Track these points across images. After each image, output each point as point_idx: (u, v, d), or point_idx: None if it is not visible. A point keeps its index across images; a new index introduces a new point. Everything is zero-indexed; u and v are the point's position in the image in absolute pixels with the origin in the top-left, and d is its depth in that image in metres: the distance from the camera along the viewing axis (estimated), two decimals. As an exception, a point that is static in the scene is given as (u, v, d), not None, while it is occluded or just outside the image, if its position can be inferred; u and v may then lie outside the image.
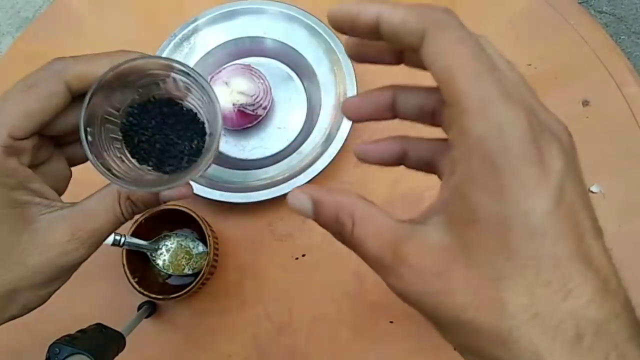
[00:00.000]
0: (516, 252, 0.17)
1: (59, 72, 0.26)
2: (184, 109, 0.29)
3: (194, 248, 0.55)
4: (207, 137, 0.29)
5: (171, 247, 0.54)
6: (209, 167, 0.26)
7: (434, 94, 0.22)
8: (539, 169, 0.17)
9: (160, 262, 0.54)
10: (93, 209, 0.27)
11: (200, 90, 0.27)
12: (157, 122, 0.28)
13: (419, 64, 0.20)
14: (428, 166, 0.24)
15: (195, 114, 0.29)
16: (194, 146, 0.29)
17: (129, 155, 0.28)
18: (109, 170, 0.26)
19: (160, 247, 0.54)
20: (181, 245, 0.55)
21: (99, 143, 0.26)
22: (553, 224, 0.17)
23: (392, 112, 0.24)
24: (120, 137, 0.28)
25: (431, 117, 0.23)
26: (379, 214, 0.20)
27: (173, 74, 0.27)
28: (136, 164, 0.28)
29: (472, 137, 0.17)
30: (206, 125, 0.29)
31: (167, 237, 0.54)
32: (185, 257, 0.55)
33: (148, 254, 0.53)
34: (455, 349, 0.19)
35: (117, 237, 0.48)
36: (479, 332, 0.17)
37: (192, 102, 0.29)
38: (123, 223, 0.29)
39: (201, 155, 0.28)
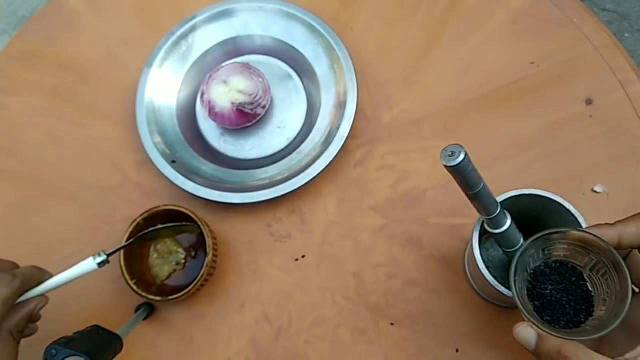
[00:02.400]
0: None
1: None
2: (584, 286, 0.33)
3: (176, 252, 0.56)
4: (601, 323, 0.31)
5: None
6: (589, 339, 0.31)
7: None
8: None
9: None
10: None
11: (617, 293, 0.30)
12: (563, 282, 0.34)
13: None
14: None
15: (591, 295, 0.33)
16: (576, 319, 0.32)
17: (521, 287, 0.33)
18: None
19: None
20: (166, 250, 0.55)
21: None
22: None
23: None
24: (531, 271, 0.34)
25: None
26: (599, 356, 0.26)
27: (603, 264, 0.32)
28: (524, 297, 0.33)
29: None
30: (597, 308, 0.33)
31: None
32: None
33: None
34: None
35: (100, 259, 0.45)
36: None
37: (598, 284, 0.33)
38: None
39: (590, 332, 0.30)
